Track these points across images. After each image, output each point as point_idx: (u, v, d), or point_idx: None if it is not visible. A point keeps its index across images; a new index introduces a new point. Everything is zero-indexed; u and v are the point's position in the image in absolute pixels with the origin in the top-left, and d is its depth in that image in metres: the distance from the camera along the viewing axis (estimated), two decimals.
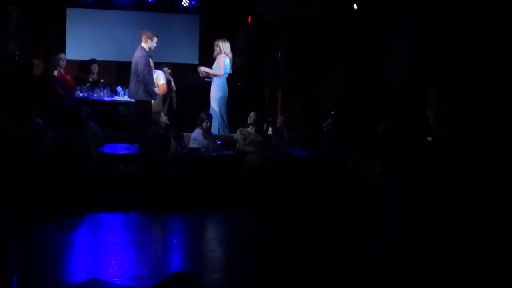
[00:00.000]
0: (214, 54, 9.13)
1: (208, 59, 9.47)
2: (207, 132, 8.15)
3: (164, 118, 8.19)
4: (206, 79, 9.35)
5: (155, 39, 8.64)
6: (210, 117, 8.32)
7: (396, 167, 7.01)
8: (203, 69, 9.02)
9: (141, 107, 8.60)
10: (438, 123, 8.67)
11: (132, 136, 8.14)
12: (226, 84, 9.24)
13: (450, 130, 8.31)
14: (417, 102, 6.99)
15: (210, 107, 9.09)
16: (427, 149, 7.72)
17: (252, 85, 10.39)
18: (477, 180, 7.10)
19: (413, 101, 6.77)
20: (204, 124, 8.14)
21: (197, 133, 8.14)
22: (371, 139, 8.54)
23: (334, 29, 10.20)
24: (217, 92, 9.11)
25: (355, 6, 9.86)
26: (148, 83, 8.56)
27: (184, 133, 8.35)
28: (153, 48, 8.67)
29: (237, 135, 8.42)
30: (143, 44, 8.62)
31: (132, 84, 8.63)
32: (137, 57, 8.56)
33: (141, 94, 8.51)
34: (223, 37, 9.34)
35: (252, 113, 8.52)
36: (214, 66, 9.11)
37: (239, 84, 10.32)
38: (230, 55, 9.11)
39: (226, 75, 9.21)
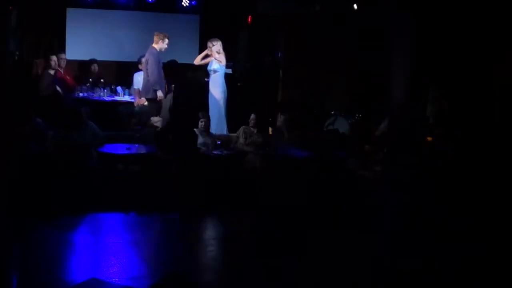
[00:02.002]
0: (210, 53, 9.12)
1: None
2: (203, 132, 8.14)
3: (155, 119, 8.19)
4: (206, 79, 9.36)
5: (166, 40, 8.84)
6: (206, 116, 8.31)
7: (396, 167, 7.00)
8: (217, 56, 9.02)
9: (152, 106, 8.74)
10: (438, 123, 8.67)
11: (132, 136, 8.14)
12: (225, 84, 9.24)
13: (450, 130, 8.30)
14: (417, 102, 6.98)
15: (209, 107, 9.08)
16: (427, 149, 7.71)
17: (252, 85, 10.38)
18: (477, 180, 7.09)
19: (413, 101, 6.75)
20: (199, 124, 8.13)
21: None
22: (371, 139, 8.55)
23: (334, 29, 10.20)
24: (216, 92, 9.10)
25: (355, 6, 9.86)
26: (156, 83, 8.67)
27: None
28: (163, 49, 8.85)
29: (239, 132, 8.43)
30: (154, 45, 8.77)
31: (143, 82, 8.79)
32: (148, 57, 8.71)
33: (152, 93, 8.68)
34: (223, 37, 9.35)
35: (252, 115, 8.52)
36: (215, 67, 9.09)
37: (239, 84, 10.31)
38: (223, 54, 9.13)
39: (224, 74, 9.21)
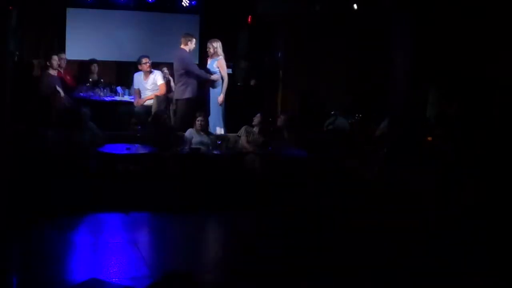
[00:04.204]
0: (210, 55, 9.12)
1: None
2: (201, 131, 8.13)
3: (165, 117, 8.22)
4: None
5: (194, 41, 8.98)
6: (204, 116, 8.32)
7: (396, 167, 7.02)
8: (217, 77, 8.98)
9: (185, 106, 8.82)
10: (438, 123, 8.68)
11: (132, 136, 8.15)
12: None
13: (450, 130, 8.31)
14: (417, 102, 7.00)
15: (208, 107, 9.09)
16: (427, 149, 7.72)
17: (253, 85, 10.39)
18: (477, 180, 7.10)
19: (413, 101, 6.78)
20: (197, 124, 8.14)
21: (189, 132, 8.14)
22: (371, 139, 8.55)
23: (334, 29, 10.20)
24: (215, 92, 9.10)
25: (355, 6, 9.87)
26: (205, 77, 8.90)
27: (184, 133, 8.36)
28: (192, 49, 8.96)
29: (241, 132, 8.44)
30: (183, 46, 8.85)
31: (179, 85, 8.85)
32: (182, 59, 8.81)
33: (188, 93, 8.78)
34: (223, 37, 9.34)
35: (258, 115, 8.53)
36: (215, 69, 9.07)
37: (239, 84, 10.31)
38: (223, 55, 9.12)
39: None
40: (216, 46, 9.03)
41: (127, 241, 6.18)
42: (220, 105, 9.01)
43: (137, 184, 7.24)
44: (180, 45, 8.90)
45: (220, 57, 9.03)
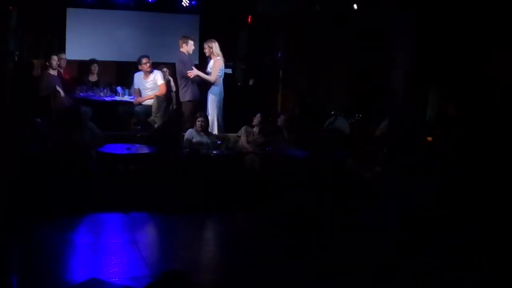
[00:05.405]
0: (207, 55, 9.13)
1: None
2: (201, 132, 8.14)
3: (172, 118, 8.26)
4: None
5: (191, 43, 9.05)
6: (204, 116, 8.33)
7: (396, 167, 7.01)
8: (196, 72, 8.99)
9: (186, 108, 8.97)
10: (438, 123, 8.68)
11: (132, 136, 8.15)
12: (222, 84, 9.21)
13: (450, 130, 8.31)
14: (417, 102, 7.00)
15: (207, 107, 9.09)
16: (427, 149, 7.72)
17: (252, 85, 10.39)
18: (477, 180, 7.10)
19: (413, 101, 6.78)
20: (197, 124, 8.15)
21: (189, 132, 8.14)
22: (371, 139, 8.55)
23: (334, 29, 10.21)
24: (213, 92, 9.10)
25: (355, 6, 9.87)
26: (205, 79, 8.96)
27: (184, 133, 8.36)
28: (191, 51, 9.05)
29: (241, 132, 8.44)
30: (181, 49, 8.96)
31: (181, 87, 8.99)
32: (181, 62, 8.92)
33: (189, 95, 8.90)
34: (223, 37, 9.34)
35: (258, 115, 8.54)
36: (208, 69, 9.08)
37: (239, 84, 10.31)
38: (221, 55, 9.10)
39: (222, 77, 9.19)
40: (212, 46, 9.03)
41: (127, 241, 6.18)
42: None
43: (137, 184, 7.24)
44: (179, 48, 8.96)
45: (218, 57, 9.03)
